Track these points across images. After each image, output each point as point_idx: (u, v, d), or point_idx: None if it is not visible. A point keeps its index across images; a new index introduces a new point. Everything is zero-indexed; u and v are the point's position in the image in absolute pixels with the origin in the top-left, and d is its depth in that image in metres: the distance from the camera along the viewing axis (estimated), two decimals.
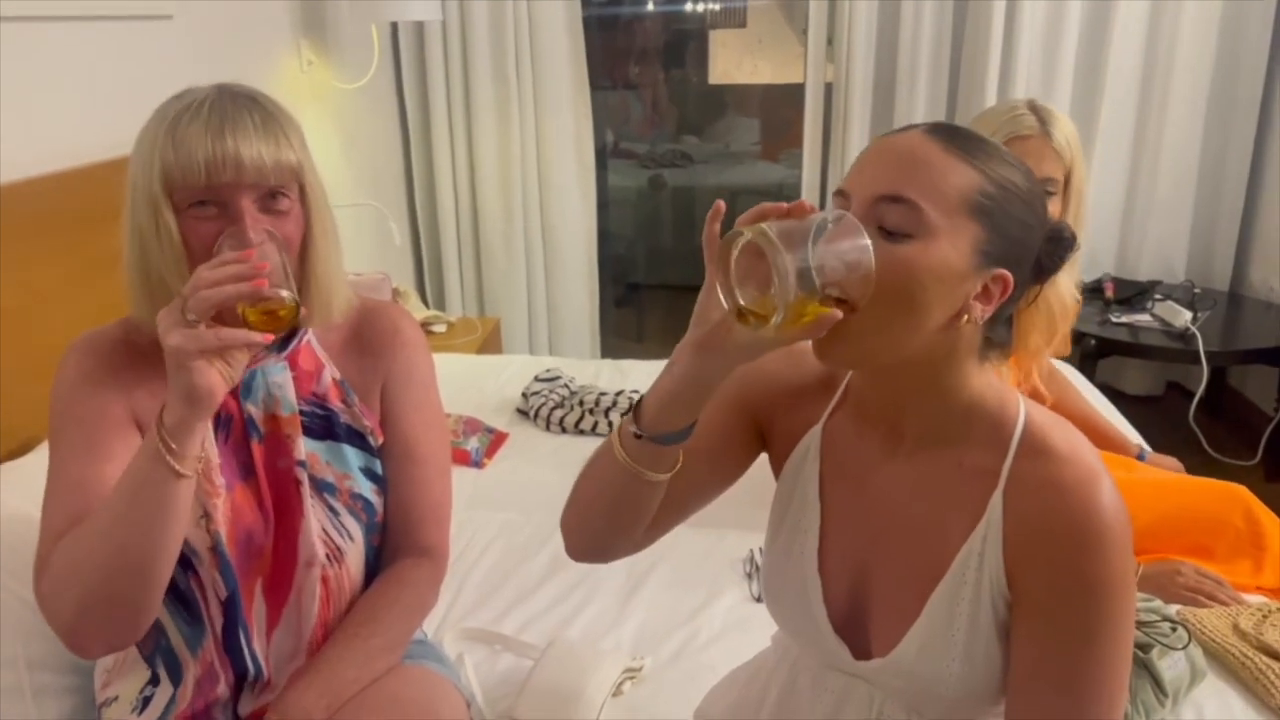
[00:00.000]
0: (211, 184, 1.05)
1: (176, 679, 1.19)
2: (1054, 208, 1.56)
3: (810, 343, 0.85)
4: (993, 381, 0.91)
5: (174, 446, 0.97)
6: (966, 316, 0.84)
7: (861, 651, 0.96)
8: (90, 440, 1.11)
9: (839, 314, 0.78)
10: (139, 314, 1.12)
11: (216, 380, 0.97)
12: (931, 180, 0.82)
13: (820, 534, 0.98)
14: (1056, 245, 0.89)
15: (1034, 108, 1.61)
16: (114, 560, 1.01)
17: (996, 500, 0.86)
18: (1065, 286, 1.53)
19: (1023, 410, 0.89)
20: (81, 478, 1.09)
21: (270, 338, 1.00)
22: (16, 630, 1.26)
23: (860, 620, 0.96)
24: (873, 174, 0.84)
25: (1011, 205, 0.84)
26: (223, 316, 1.00)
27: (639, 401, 0.91)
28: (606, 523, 0.97)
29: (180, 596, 1.16)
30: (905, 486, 0.93)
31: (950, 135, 0.84)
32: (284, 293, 1.00)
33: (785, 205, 0.81)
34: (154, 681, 1.20)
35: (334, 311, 1.21)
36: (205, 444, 1.14)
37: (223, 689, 1.18)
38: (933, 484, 0.91)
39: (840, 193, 0.86)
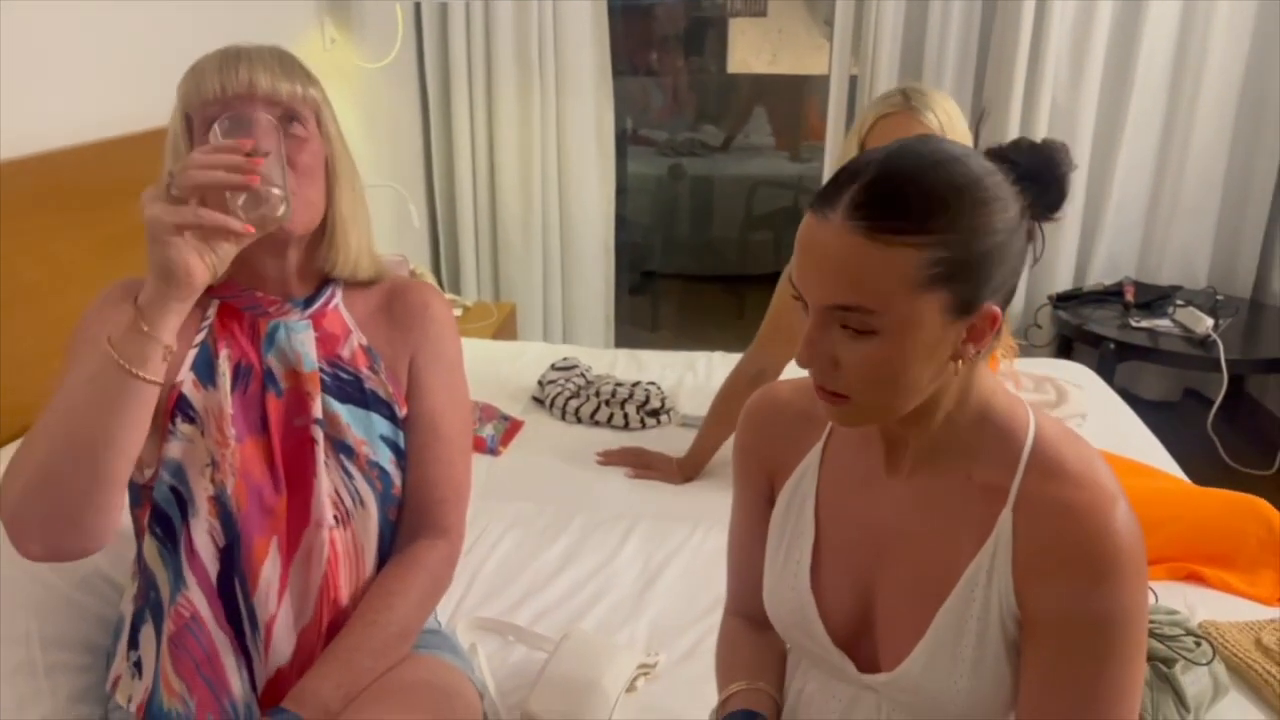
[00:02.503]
0: (225, 97, 1.08)
1: (160, 620, 1.16)
2: None
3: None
4: (1000, 389, 0.89)
5: (146, 328, 0.97)
6: (960, 361, 0.83)
7: (868, 664, 0.95)
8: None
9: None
10: None
11: (195, 261, 0.97)
12: (872, 281, 0.77)
13: (816, 551, 0.97)
14: (1051, 178, 0.82)
15: (904, 90, 1.70)
16: (60, 453, 0.98)
17: (1006, 518, 0.85)
18: None
19: (1032, 423, 0.87)
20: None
21: (252, 229, 0.99)
22: (30, 608, 1.26)
23: (866, 634, 0.95)
24: (818, 282, 0.80)
25: (971, 244, 0.77)
26: (211, 204, 0.99)
27: None
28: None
29: (171, 539, 1.15)
30: (910, 501, 0.91)
31: (875, 213, 0.76)
32: (275, 190, 0.99)
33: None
34: (137, 655, 1.19)
35: (359, 268, 1.24)
36: (221, 397, 1.14)
37: (221, 640, 1.15)
38: (940, 499, 0.90)
39: (797, 296, 0.83)
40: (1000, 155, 0.83)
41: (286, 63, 1.14)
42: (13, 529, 1.01)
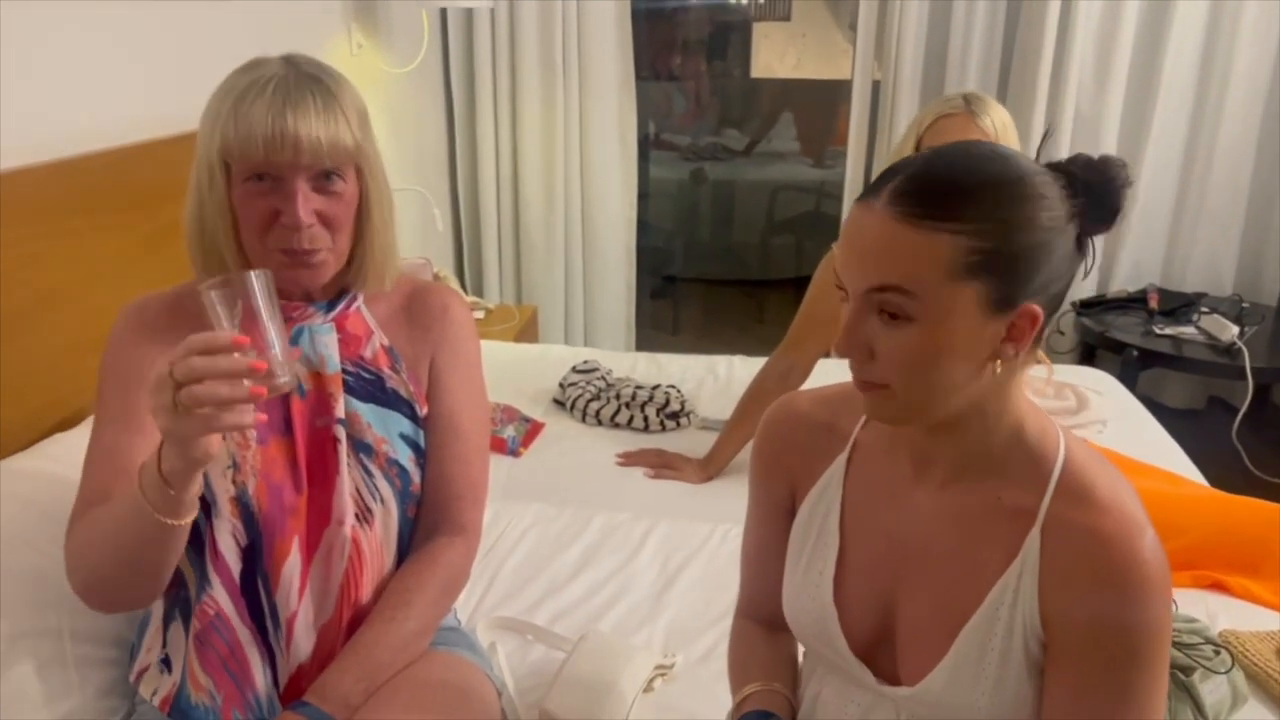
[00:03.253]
0: (269, 161, 1.09)
1: (188, 618, 1.19)
2: None
3: (855, 394, 0.88)
4: (1033, 410, 0.90)
5: (174, 492, 0.98)
6: (999, 361, 0.83)
7: (887, 675, 0.95)
8: (125, 404, 1.16)
9: None
10: (194, 264, 1.17)
11: (209, 440, 0.96)
12: (910, 264, 0.78)
13: (840, 562, 0.98)
14: (1107, 190, 0.82)
15: (965, 95, 1.80)
16: (110, 562, 1.08)
17: (1034, 539, 0.85)
18: None
19: (1063, 446, 0.88)
20: (114, 445, 1.14)
21: (264, 418, 0.99)
22: (62, 602, 1.27)
23: (887, 646, 0.96)
24: (858, 265, 0.81)
25: (1010, 238, 0.78)
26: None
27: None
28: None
29: (196, 540, 1.17)
30: (937, 517, 0.92)
31: (918, 200, 0.78)
32: (281, 380, 0.97)
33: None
34: (165, 652, 1.22)
35: (386, 281, 1.25)
36: None
37: (245, 635, 1.18)
38: (967, 516, 0.90)
39: (840, 286, 0.84)
40: (1057, 167, 0.84)
41: (330, 104, 1.11)
42: (85, 602, 1.14)
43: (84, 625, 1.29)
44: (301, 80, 1.11)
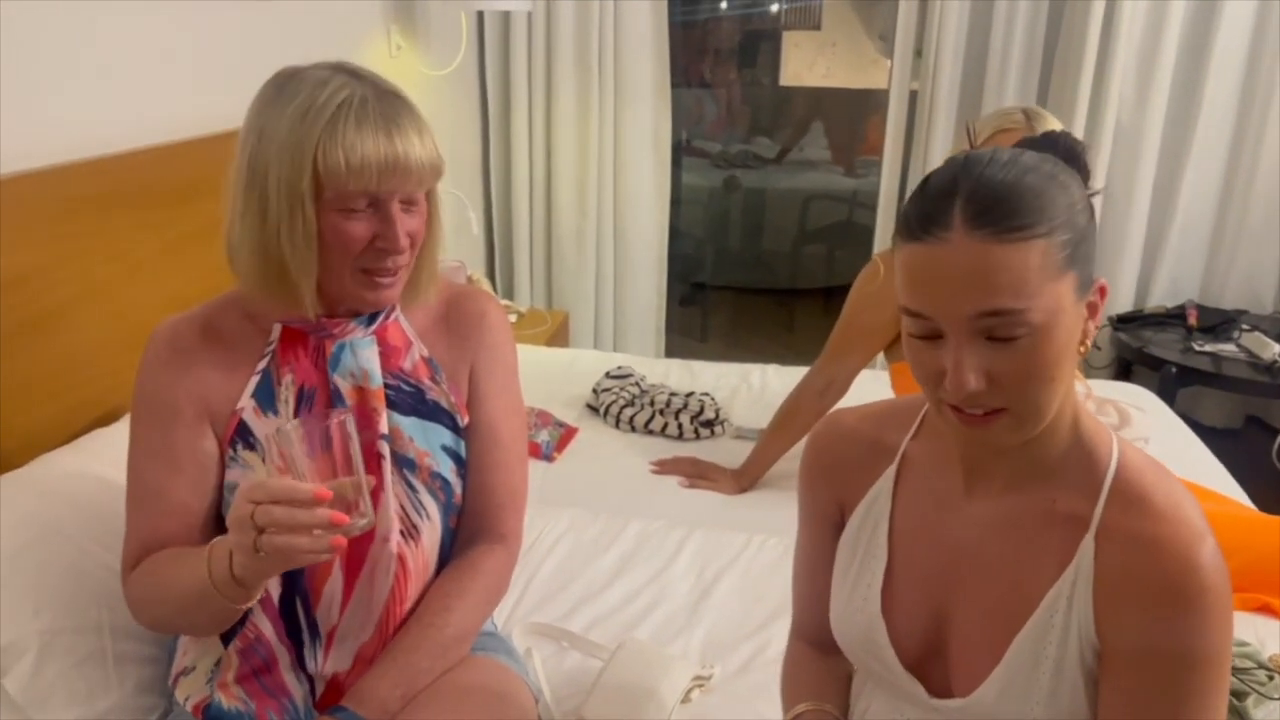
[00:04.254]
0: (381, 188, 1.07)
1: (227, 639, 1.20)
2: None
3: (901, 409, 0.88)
4: (1086, 411, 0.88)
5: (243, 589, 1.01)
6: (1086, 343, 0.83)
7: (939, 689, 0.94)
8: (165, 440, 1.15)
9: None
10: (248, 289, 1.13)
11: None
12: (1015, 280, 0.76)
13: (888, 574, 0.96)
14: (1083, 160, 0.85)
15: (1025, 110, 1.81)
16: (177, 618, 1.13)
17: (1088, 545, 0.83)
18: None
19: (1115, 450, 0.86)
20: (159, 487, 1.14)
21: (343, 544, 0.97)
22: (102, 597, 1.28)
23: (938, 658, 0.94)
24: (955, 298, 0.78)
25: (1077, 222, 0.79)
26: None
27: None
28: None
29: None
30: (989, 525, 0.90)
31: (1000, 216, 0.76)
32: (360, 523, 0.97)
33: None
34: (199, 661, 1.22)
35: (431, 296, 1.24)
36: (283, 420, 1.17)
37: (283, 657, 1.18)
38: (1020, 524, 0.88)
39: (916, 314, 0.81)
40: (1035, 144, 0.85)
41: (422, 125, 1.10)
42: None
43: (123, 622, 1.28)
44: (386, 98, 1.09)
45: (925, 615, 0.94)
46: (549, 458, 2.14)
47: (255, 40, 2.18)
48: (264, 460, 1.16)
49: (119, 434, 1.53)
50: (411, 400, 1.23)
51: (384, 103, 1.08)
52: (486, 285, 3.25)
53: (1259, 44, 3.14)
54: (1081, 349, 0.83)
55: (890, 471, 0.98)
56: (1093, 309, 0.83)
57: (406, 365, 1.24)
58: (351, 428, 0.98)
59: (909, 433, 0.99)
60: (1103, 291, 0.84)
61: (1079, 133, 3.19)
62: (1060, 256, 0.78)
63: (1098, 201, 2.98)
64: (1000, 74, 3.24)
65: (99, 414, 1.67)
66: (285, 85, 1.08)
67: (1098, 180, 3.18)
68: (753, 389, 2.55)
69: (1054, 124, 1.77)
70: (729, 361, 2.75)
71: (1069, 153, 0.84)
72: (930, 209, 0.79)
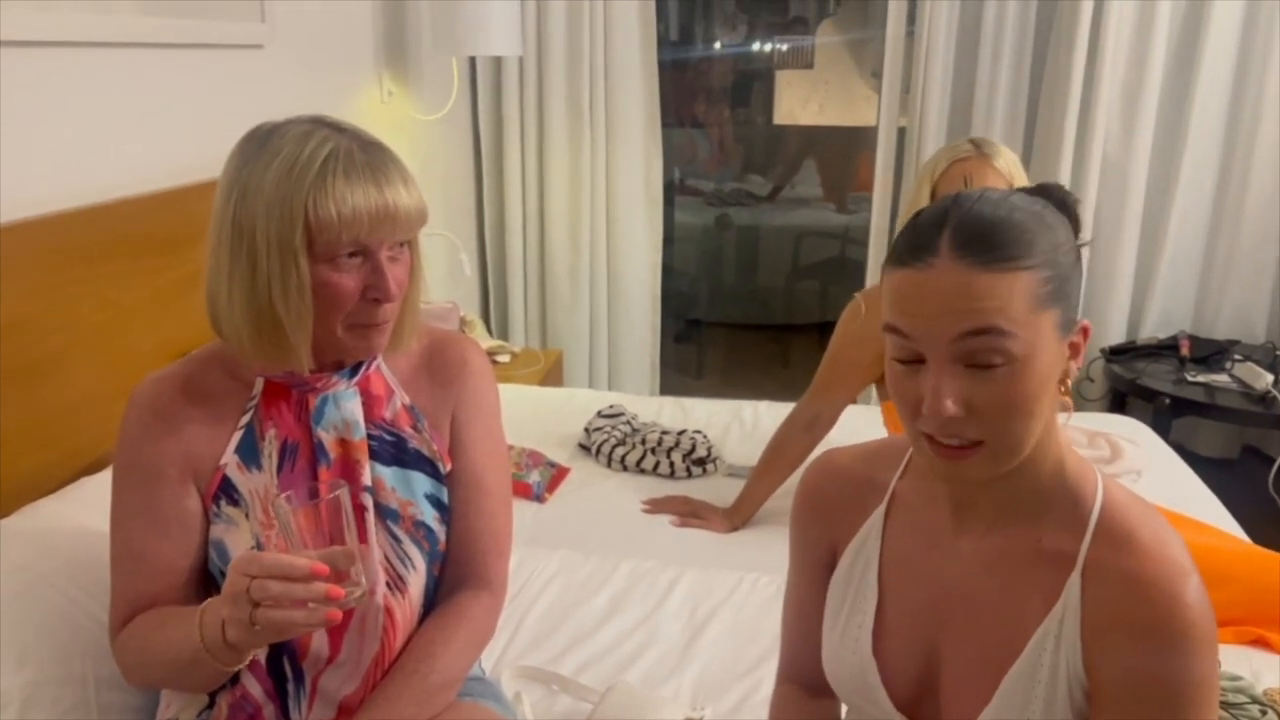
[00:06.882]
0: (372, 237, 1.08)
1: (214, 695, 1.20)
2: None
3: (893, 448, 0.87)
4: (1070, 449, 0.89)
5: (237, 654, 1.01)
6: (1066, 382, 0.84)
7: None
8: (148, 503, 1.15)
9: None
10: (237, 346, 1.12)
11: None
12: (998, 305, 0.77)
13: (879, 614, 0.96)
14: (1074, 209, 0.87)
15: (973, 140, 1.85)
16: (169, 679, 1.15)
17: (1074, 583, 0.84)
18: None
19: (1100, 488, 0.87)
20: (143, 551, 1.14)
21: (338, 617, 0.97)
22: (86, 649, 1.27)
23: (930, 698, 0.94)
24: (938, 320, 0.79)
25: (1062, 261, 0.81)
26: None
27: None
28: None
29: None
30: (978, 563, 0.90)
31: (986, 245, 0.78)
32: (356, 594, 0.97)
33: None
34: (210, 706, 1.21)
35: (413, 341, 1.24)
36: (266, 479, 1.17)
37: (267, 707, 1.18)
38: (1008, 562, 0.88)
39: (898, 332, 0.82)
40: (1028, 193, 0.87)
41: (405, 173, 1.11)
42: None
43: (108, 672, 1.27)
44: (370, 149, 1.09)
45: (917, 655, 0.94)
46: (540, 498, 2.13)
47: (247, 89, 2.21)
48: (248, 516, 1.16)
49: (106, 483, 1.53)
50: (393, 450, 1.22)
51: (369, 154, 1.08)
52: (480, 327, 3.26)
53: (1243, 74, 3.18)
54: (1062, 388, 0.83)
55: (879, 511, 0.98)
56: (1075, 349, 0.84)
57: (388, 414, 1.23)
58: (347, 500, 0.98)
59: (898, 471, 0.99)
60: (1085, 332, 0.85)
61: (1066, 166, 3.22)
62: (1043, 291, 0.79)
63: (1087, 235, 3.00)
64: (987, 110, 3.28)
65: (89, 461, 1.68)
66: (266, 141, 1.08)
67: (1086, 215, 3.21)
68: (745, 425, 2.55)
69: (1004, 151, 1.82)
70: (724, 398, 2.75)
71: (1060, 203, 0.86)
72: (919, 239, 0.81)
